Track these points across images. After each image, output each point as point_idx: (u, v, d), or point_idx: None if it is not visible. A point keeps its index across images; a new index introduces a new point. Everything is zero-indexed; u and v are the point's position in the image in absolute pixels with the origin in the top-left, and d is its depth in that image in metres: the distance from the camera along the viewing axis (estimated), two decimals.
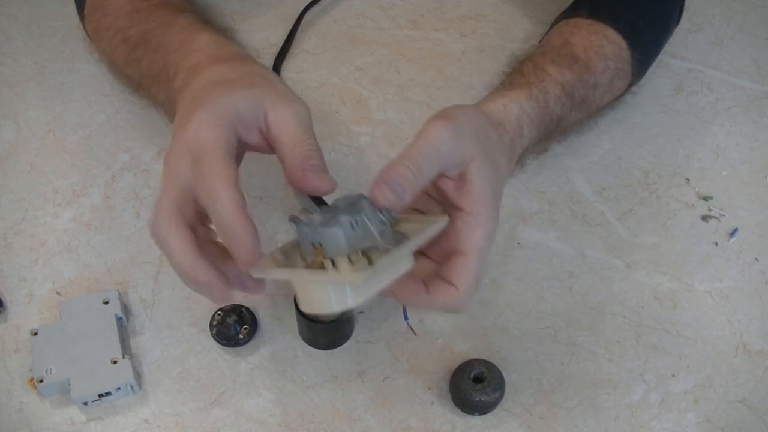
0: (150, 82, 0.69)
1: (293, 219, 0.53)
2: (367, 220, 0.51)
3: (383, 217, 0.53)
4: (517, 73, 0.70)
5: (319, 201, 0.69)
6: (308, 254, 0.52)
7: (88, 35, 0.80)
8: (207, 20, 0.70)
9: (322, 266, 0.51)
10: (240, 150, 0.56)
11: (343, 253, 0.51)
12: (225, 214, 0.50)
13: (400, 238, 0.54)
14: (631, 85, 0.78)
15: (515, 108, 0.65)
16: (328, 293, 0.52)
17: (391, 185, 0.52)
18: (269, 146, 0.57)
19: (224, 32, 0.68)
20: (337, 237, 0.50)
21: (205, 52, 0.63)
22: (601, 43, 0.73)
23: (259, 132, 0.56)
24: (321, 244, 0.51)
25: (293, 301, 0.64)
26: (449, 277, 0.54)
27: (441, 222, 0.55)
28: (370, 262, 0.52)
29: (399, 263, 0.53)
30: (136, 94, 0.76)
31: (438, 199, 0.58)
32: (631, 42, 0.74)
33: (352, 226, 0.51)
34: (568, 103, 0.70)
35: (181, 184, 0.52)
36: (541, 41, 0.77)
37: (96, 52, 0.83)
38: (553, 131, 0.71)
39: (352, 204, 0.53)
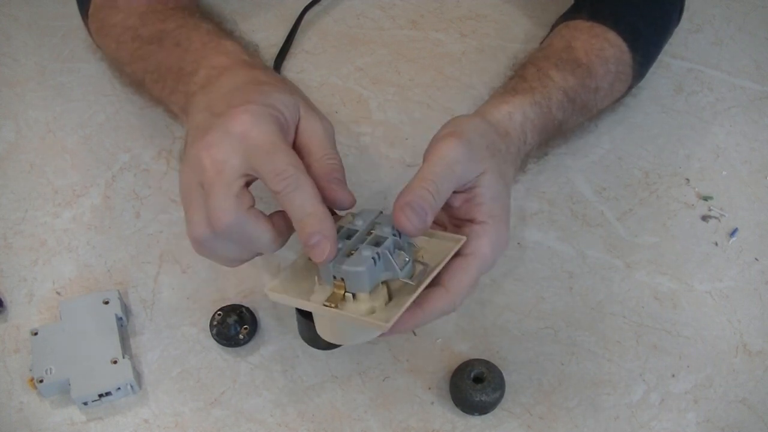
0: (155, 78, 0.68)
1: None
2: (389, 255, 0.52)
3: (405, 251, 0.53)
4: (520, 78, 0.70)
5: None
6: (327, 282, 0.52)
7: (90, 33, 0.80)
8: (229, 31, 0.71)
9: (342, 298, 0.52)
10: None
11: (365, 291, 0.51)
12: (308, 203, 0.50)
13: (419, 268, 0.54)
14: (631, 87, 0.78)
15: (519, 115, 0.65)
16: (350, 329, 0.53)
17: (416, 210, 0.52)
18: None
19: (248, 45, 0.69)
20: (361, 276, 0.50)
21: (234, 57, 0.63)
22: (603, 47, 0.73)
23: (293, 135, 0.57)
24: (343, 279, 0.51)
25: None
26: (444, 278, 0.54)
27: (459, 245, 0.55)
28: (389, 291, 0.52)
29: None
30: (137, 92, 0.76)
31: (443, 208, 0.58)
32: (631, 44, 0.74)
33: (374, 261, 0.51)
34: (570, 109, 0.70)
35: (234, 174, 0.51)
36: (542, 43, 0.77)
37: (98, 51, 0.83)
38: (554, 136, 0.71)
39: (372, 227, 0.53)
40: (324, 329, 0.55)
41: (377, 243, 0.52)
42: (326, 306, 0.51)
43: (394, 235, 0.53)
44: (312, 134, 0.56)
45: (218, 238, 0.53)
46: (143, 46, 0.70)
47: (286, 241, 0.54)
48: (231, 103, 0.54)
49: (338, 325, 0.54)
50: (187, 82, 0.63)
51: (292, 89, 0.59)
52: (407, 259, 0.53)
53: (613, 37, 0.74)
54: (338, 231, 0.54)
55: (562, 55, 0.72)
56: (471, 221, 0.56)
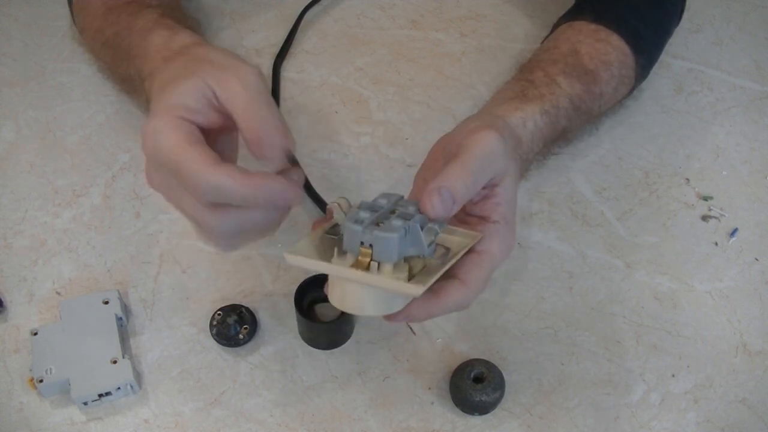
0: (131, 88, 0.69)
1: (341, 206, 0.53)
2: (420, 230, 0.51)
3: (435, 227, 0.52)
4: (528, 82, 0.69)
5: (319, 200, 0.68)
6: (351, 250, 0.51)
7: (79, 34, 0.80)
8: (164, 13, 0.68)
9: (367, 267, 0.50)
10: (219, 133, 0.54)
11: (393, 260, 0.50)
12: (242, 189, 0.48)
13: (442, 251, 0.53)
14: (633, 89, 0.78)
15: (531, 124, 0.65)
16: (370, 298, 0.52)
17: (443, 197, 0.51)
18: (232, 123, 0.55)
19: (178, 19, 0.67)
20: (391, 243, 0.49)
21: (157, 55, 0.62)
22: (606, 51, 0.73)
23: (214, 114, 0.53)
24: (371, 246, 0.50)
25: (293, 301, 0.64)
26: (459, 273, 0.54)
27: (478, 237, 0.54)
28: (410, 270, 0.52)
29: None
30: (127, 94, 0.76)
31: None
32: (634, 47, 0.74)
33: (405, 233, 0.50)
34: (575, 116, 0.70)
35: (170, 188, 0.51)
36: (544, 42, 0.77)
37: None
38: (556, 141, 0.71)
39: (398, 206, 0.53)
40: (339, 297, 0.53)
41: (404, 218, 0.51)
42: (354, 270, 0.50)
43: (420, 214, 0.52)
44: (230, 97, 0.52)
45: (217, 209, 0.50)
46: (114, 53, 0.70)
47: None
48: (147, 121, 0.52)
49: (359, 293, 0.52)
50: (144, 94, 0.63)
51: (198, 66, 0.54)
52: (433, 239, 0.52)
53: (616, 40, 0.74)
54: (360, 207, 0.53)
55: (568, 60, 0.72)
56: (484, 219, 0.56)
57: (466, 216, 0.57)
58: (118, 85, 0.75)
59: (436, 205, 0.51)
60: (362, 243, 0.50)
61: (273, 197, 0.49)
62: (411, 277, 0.52)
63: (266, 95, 0.52)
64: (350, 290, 0.52)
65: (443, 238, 0.55)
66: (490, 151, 0.54)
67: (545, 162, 0.77)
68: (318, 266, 0.52)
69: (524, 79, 0.70)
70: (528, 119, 0.65)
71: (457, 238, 0.55)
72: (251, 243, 0.55)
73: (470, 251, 0.55)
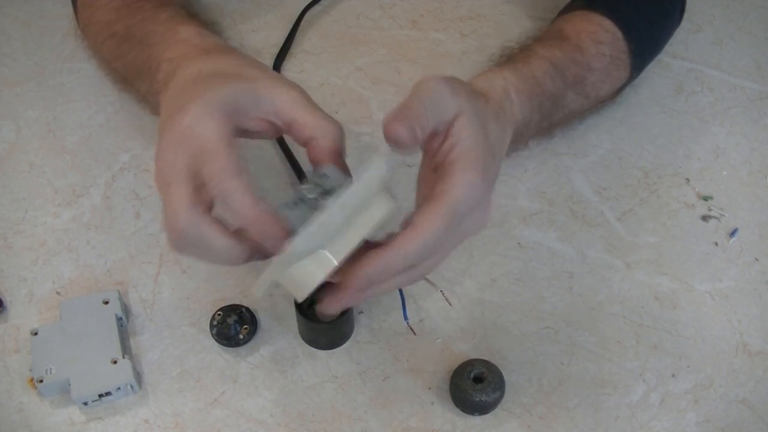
0: (134, 75, 0.69)
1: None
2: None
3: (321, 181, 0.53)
4: (503, 57, 0.70)
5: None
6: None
7: (81, 30, 0.80)
8: (191, 13, 0.70)
9: None
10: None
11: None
12: (243, 210, 0.50)
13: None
14: (630, 78, 0.77)
15: (499, 80, 0.64)
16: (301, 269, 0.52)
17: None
18: (274, 130, 0.57)
19: (208, 25, 0.68)
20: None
21: (187, 43, 0.63)
22: (596, 30, 0.73)
23: (262, 119, 0.56)
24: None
25: (293, 301, 0.64)
26: (414, 217, 0.53)
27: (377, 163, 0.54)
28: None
29: (366, 216, 0.53)
30: (123, 90, 0.76)
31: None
32: (626, 33, 0.73)
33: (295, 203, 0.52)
34: (560, 81, 0.69)
35: (183, 178, 0.51)
36: None
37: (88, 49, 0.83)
38: (553, 111, 0.69)
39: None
40: (292, 287, 0.55)
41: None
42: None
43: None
44: (294, 106, 0.56)
45: (185, 242, 0.52)
46: (121, 43, 0.70)
47: (250, 255, 0.53)
48: (180, 102, 0.54)
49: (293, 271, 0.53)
50: (153, 82, 0.63)
51: (250, 70, 0.58)
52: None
53: (608, 24, 0.73)
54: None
55: (549, 34, 0.72)
56: (445, 164, 0.54)
57: (431, 173, 0.56)
58: (117, 78, 0.74)
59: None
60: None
61: (263, 235, 0.51)
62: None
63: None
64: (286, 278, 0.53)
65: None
66: (432, 91, 0.54)
67: (545, 155, 0.76)
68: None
69: (501, 57, 0.70)
70: (493, 77, 0.64)
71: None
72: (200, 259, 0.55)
73: (430, 197, 0.54)
